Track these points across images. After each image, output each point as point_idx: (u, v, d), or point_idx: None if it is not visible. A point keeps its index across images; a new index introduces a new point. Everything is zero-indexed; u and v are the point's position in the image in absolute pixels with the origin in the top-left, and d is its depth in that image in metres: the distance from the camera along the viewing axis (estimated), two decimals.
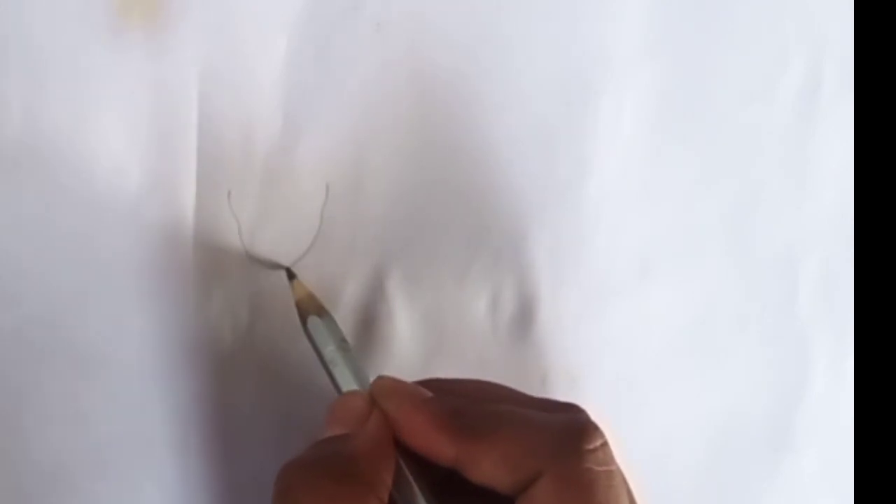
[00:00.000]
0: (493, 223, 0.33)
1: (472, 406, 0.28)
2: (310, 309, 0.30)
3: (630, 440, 0.35)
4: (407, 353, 0.32)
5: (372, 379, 0.29)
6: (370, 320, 0.32)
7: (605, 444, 0.27)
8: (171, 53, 0.28)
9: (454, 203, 0.33)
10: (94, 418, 0.28)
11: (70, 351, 0.28)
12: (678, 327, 0.37)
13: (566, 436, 0.27)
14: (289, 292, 0.30)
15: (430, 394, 0.28)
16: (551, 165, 0.34)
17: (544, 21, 0.34)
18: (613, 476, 0.27)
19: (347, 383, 0.29)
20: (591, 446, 0.26)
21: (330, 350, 0.29)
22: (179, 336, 0.29)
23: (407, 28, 0.32)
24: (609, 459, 0.27)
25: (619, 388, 0.36)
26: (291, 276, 0.30)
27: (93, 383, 0.28)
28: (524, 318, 0.34)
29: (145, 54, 0.28)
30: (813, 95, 0.38)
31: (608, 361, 0.35)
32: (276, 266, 0.30)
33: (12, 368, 0.27)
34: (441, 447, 0.27)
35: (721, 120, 0.37)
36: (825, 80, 0.38)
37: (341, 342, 0.29)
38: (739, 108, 0.37)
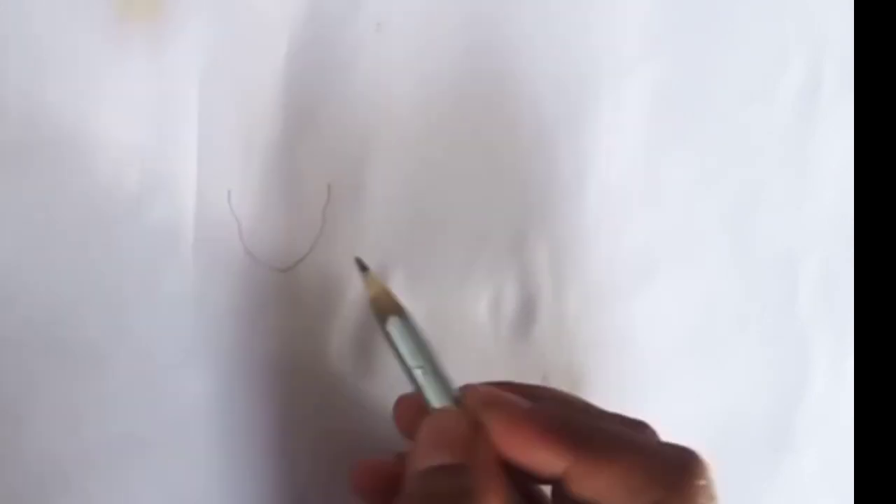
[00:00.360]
0: (495, 223, 0.34)
1: (580, 417, 0.27)
2: (389, 308, 0.28)
3: None
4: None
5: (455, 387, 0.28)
6: (372, 321, 0.32)
7: (712, 481, 0.27)
8: (172, 53, 0.28)
9: (455, 203, 0.33)
10: (93, 418, 0.28)
11: (69, 350, 0.28)
12: (678, 327, 0.37)
13: (682, 468, 0.26)
14: (289, 292, 0.30)
15: (528, 402, 0.27)
16: (552, 165, 0.34)
17: (544, 21, 0.34)
18: None
19: (438, 397, 0.27)
20: (704, 481, 0.26)
21: (417, 356, 0.27)
22: (179, 336, 0.29)
23: (407, 28, 0.32)
24: (716, 496, 0.27)
25: (619, 387, 0.36)
26: (364, 268, 0.28)
27: (91, 383, 0.28)
28: (525, 318, 0.34)
29: (146, 54, 0.28)
30: (813, 95, 0.38)
31: (608, 361, 0.35)
32: (277, 266, 0.30)
33: (11, 367, 0.27)
34: (549, 460, 0.26)
35: (721, 120, 0.37)
36: (825, 80, 0.38)
37: (424, 343, 0.27)
38: (739, 108, 0.37)
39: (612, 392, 0.35)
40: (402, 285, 0.32)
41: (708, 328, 0.37)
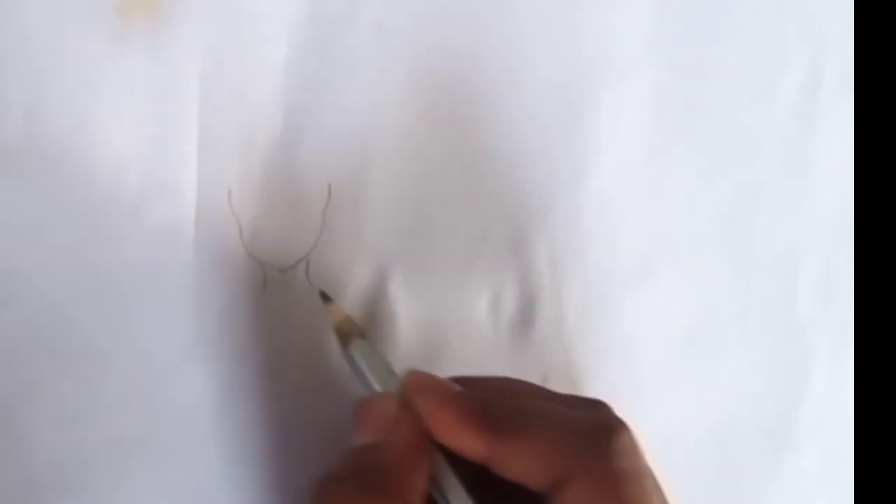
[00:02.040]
0: (494, 223, 0.33)
1: (502, 401, 0.28)
2: (352, 332, 0.29)
3: None
4: (409, 354, 0.32)
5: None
6: (372, 320, 0.32)
7: (633, 441, 0.27)
8: (172, 53, 0.28)
9: (455, 203, 0.33)
10: (93, 418, 0.28)
11: (69, 350, 0.28)
12: (678, 327, 0.37)
13: (595, 433, 0.27)
14: (290, 291, 0.30)
15: (459, 388, 0.28)
16: (552, 166, 0.34)
17: (545, 21, 0.34)
18: (644, 473, 0.27)
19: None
20: (620, 443, 0.27)
21: (382, 376, 0.29)
22: (179, 336, 0.29)
23: (408, 28, 0.32)
24: (638, 455, 0.27)
25: (619, 387, 0.35)
26: (327, 298, 0.30)
27: (92, 383, 0.28)
28: (525, 318, 0.34)
29: (146, 54, 0.28)
30: (813, 95, 0.38)
31: (608, 361, 0.35)
32: (277, 266, 0.30)
33: (11, 368, 0.27)
34: (472, 443, 0.27)
35: (721, 120, 0.37)
36: (825, 80, 0.38)
37: (386, 365, 0.29)
38: (739, 108, 0.37)
39: (611, 392, 0.35)
40: (402, 285, 0.32)
41: (708, 328, 0.37)
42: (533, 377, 0.34)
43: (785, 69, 0.37)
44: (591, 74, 0.34)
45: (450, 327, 0.33)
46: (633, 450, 0.27)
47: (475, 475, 0.28)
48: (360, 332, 0.30)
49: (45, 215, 0.27)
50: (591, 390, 0.35)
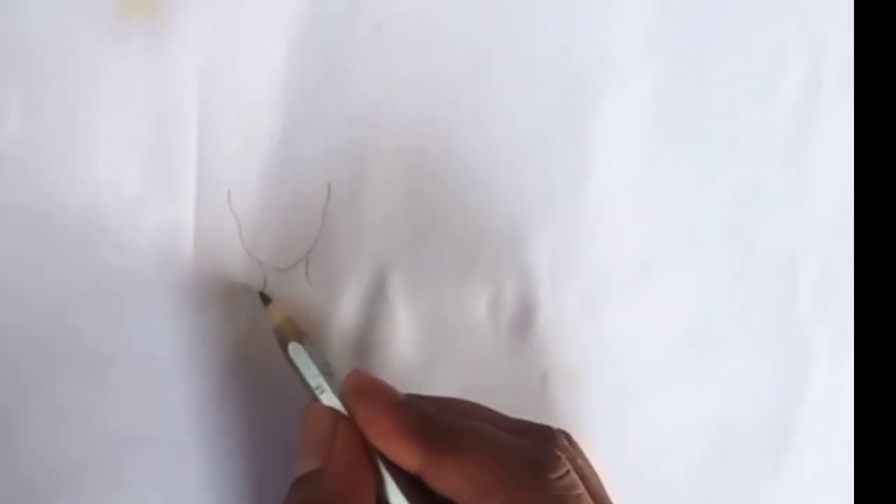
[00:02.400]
0: (494, 223, 0.33)
1: (442, 416, 0.27)
2: (290, 335, 0.29)
3: (630, 440, 0.35)
4: (408, 354, 0.32)
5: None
6: (371, 320, 0.32)
7: (568, 473, 0.27)
8: (171, 54, 0.28)
9: (455, 204, 0.33)
10: (93, 418, 0.28)
11: (70, 351, 0.28)
12: (678, 327, 0.37)
13: (531, 464, 0.26)
14: (289, 292, 0.30)
15: (402, 395, 0.28)
16: (551, 166, 0.34)
17: (544, 21, 0.34)
18: (581, 500, 0.26)
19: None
20: (557, 474, 0.26)
21: (315, 377, 0.29)
22: (179, 336, 0.29)
23: (407, 28, 0.32)
24: (574, 486, 0.27)
25: (618, 387, 0.35)
26: (266, 300, 0.30)
27: (92, 383, 0.28)
28: (524, 318, 0.34)
29: (145, 54, 0.28)
30: (813, 95, 0.38)
31: (608, 361, 0.35)
32: (276, 266, 0.30)
33: (13, 368, 0.27)
34: (406, 454, 0.27)
35: (721, 120, 0.37)
36: (825, 80, 0.38)
37: (325, 366, 0.29)
38: (739, 108, 0.37)
39: (610, 392, 0.35)
40: (402, 285, 0.32)
41: (707, 328, 0.37)
42: (532, 377, 0.34)
43: (785, 69, 0.37)
44: (591, 74, 0.34)
45: (449, 327, 0.33)
46: (569, 479, 0.27)
47: (418, 486, 0.27)
48: (299, 334, 0.29)
49: (45, 215, 0.27)
50: (591, 390, 0.35)
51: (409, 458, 0.27)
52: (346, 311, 0.31)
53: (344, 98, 0.31)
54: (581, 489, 0.27)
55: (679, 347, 0.37)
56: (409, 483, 0.27)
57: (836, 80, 0.38)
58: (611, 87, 0.35)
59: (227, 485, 0.30)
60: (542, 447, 0.27)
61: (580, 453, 0.28)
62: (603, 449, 0.30)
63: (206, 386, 0.30)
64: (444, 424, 0.27)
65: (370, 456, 0.27)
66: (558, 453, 0.27)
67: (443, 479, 0.26)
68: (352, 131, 0.31)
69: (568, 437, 0.29)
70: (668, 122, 0.36)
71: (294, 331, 0.29)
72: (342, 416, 0.28)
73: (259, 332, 0.30)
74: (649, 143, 0.36)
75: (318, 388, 0.28)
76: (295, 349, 0.29)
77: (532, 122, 0.34)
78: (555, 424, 0.29)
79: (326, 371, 0.29)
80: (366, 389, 0.28)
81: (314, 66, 0.30)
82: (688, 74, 0.36)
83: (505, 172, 0.33)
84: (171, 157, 0.29)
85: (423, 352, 0.33)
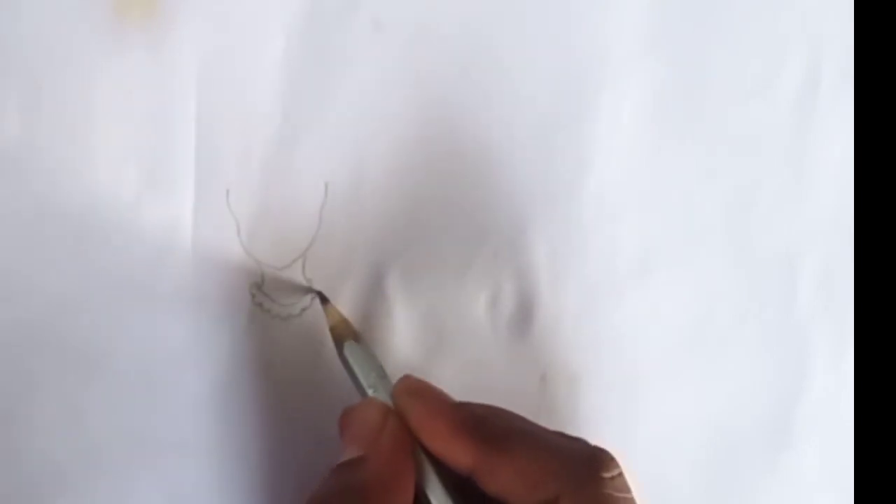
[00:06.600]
0: (493, 222, 0.33)
1: (495, 416, 0.28)
2: (346, 334, 0.30)
3: (629, 439, 0.35)
4: (406, 352, 0.32)
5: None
6: (369, 319, 0.32)
7: (621, 474, 0.27)
8: (170, 53, 0.28)
9: (453, 202, 0.33)
10: (93, 418, 0.28)
11: (68, 350, 0.28)
12: (678, 326, 0.37)
13: (586, 461, 0.27)
14: (290, 290, 0.30)
15: (453, 398, 0.28)
16: (551, 164, 0.34)
17: (543, 19, 0.34)
18: None
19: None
20: (610, 474, 0.27)
21: (368, 376, 0.29)
22: (178, 336, 0.29)
23: (406, 27, 0.32)
24: (627, 488, 0.27)
25: (618, 386, 0.35)
26: (324, 300, 0.30)
27: (91, 383, 0.28)
28: (523, 316, 0.34)
29: (144, 54, 0.28)
30: (812, 93, 0.38)
31: (607, 360, 0.35)
32: (275, 265, 0.30)
33: (10, 367, 0.27)
34: (460, 454, 0.27)
35: (720, 118, 0.37)
36: (825, 78, 0.38)
37: (378, 367, 0.29)
38: (739, 105, 0.37)
39: (610, 391, 0.35)
40: (399, 284, 0.32)
41: (707, 327, 0.37)
42: (531, 376, 0.34)
43: (784, 66, 0.37)
44: (589, 73, 0.34)
45: (447, 326, 0.33)
46: (622, 481, 0.27)
47: (457, 487, 0.28)
48: (355, 334, 0.30)
49: (44, 214, 0.27)
50: (590, 389, 0.35)
51: (463, 458, 0.27)
52: (343, 310, 0.31)
53: (342, 97, 0.31)
54: (632, 494, 0.27)
55: (678, 346, 0.37)
56: (453, 485, 0.28)
57: (836, 77, 0.38)
58: (609, 85, 0.35)
59: (227, 484, 0.30)
60: (596, 448, 0.28)
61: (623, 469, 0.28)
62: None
63: (206, 385, 0.30)
64: (498, 425, 0.28)
65: (415, 454, 0.28)
66: (612, 455, 0.27)
67: (496, 478, 0.27)
68: (350, 130, 0.31)
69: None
70: (668, 121, 0.36)
71: (350, 331, 0.30)
72: (392, 410, 0.28)
73: (258, 331, 0.30)
74: (648, 142, 0.36)
75: (370, 386, 0.29)
76: (351, 348, 0.29)
77: (531, 121, 0.34)
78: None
79: (379, 372, 0.29)
80: (417, 391, 0.28)
81: (313, 66, 0.31)
82: (687, 72, 0.36)
83: (503, 171, 0.33)
84: (170, 156, 0.29)
85: (420, 351, 0.33)
